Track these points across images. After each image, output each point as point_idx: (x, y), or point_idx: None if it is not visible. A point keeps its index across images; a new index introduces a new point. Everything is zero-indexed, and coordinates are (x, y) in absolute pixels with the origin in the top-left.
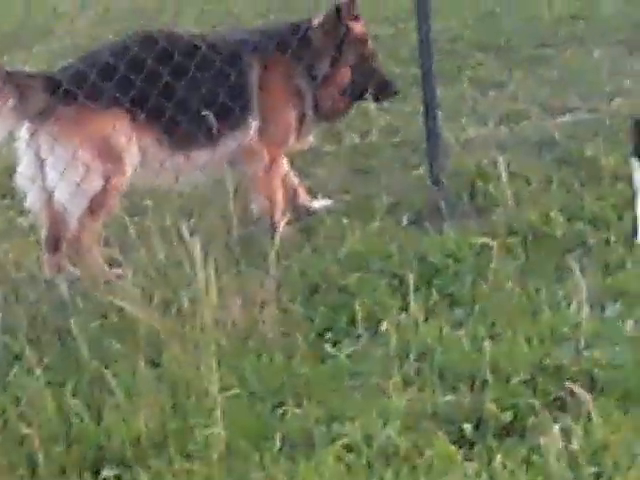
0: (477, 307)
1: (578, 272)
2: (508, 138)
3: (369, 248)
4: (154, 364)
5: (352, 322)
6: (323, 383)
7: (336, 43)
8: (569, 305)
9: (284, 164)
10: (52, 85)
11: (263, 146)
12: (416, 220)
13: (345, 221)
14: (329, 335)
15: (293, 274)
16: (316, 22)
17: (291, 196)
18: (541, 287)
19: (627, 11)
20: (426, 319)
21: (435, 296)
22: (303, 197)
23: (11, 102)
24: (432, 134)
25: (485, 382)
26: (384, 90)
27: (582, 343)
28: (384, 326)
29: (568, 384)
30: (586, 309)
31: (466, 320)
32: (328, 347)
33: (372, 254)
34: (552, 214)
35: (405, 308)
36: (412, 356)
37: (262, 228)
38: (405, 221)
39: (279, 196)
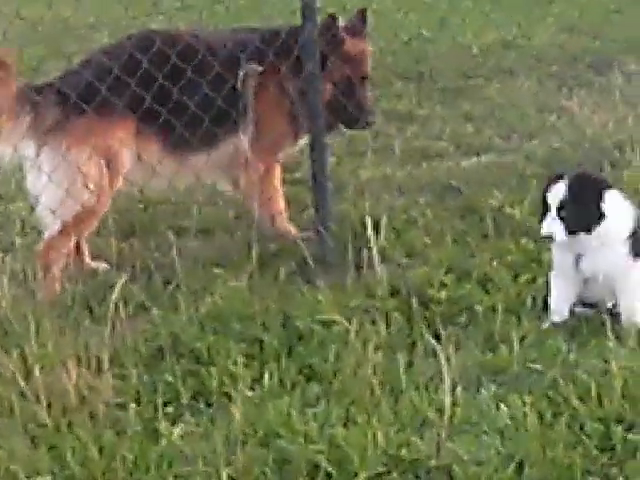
0: (336, 383)
1: (452, 346)
2: (412, 180)
3: (231, 307)
4: None
5: (200, 393)
6: (150, 469)
7: (324, 54)
8: (439, 384)
9: (279, 171)
10: (62, 98)
11: (258, 155)
12: (296, 273)
13: (216, 270)
14: (171, 409)
15: (140, 333)
16: None
17: None
18: (414, 361)
19: (562, 41)
20: (278, 395)
21: (293, 368)
22: None
23: (28, 121)
24: (319, 174)
25: (329, 475)
26: (356, 118)
27: (446, 431)
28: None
29: None
30: (458, 390)
31: (322, 398)
32: (163, 424)
33: (234, 314)
34: (440, 273)
35: (260, 379)
36: (253, 441)
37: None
38: (283, 274)
39: (280, 203)
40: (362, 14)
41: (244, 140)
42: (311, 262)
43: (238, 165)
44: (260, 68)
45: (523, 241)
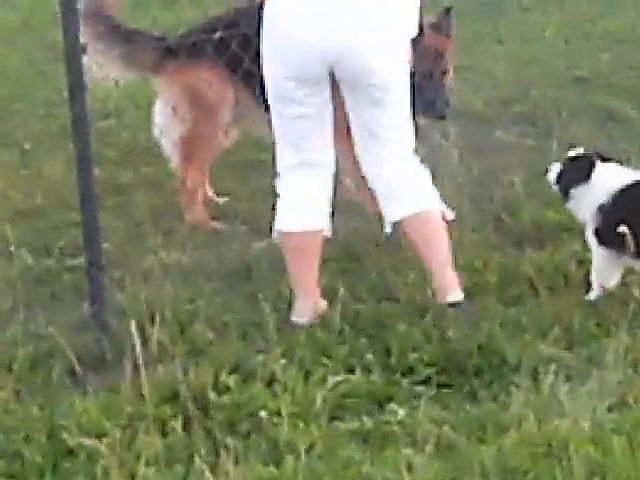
0: None
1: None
2: (200, 266)
3: None
4: None
5: None
6: None
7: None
8: None
9: None
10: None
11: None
12: (69, 375)
13: None
14: None
15: None
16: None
17: None
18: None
19: None
20: None
21: None
22: None
23: (117, 52)
24: (93, 263)
25: None
26: (431, 108)
27: None
28: None
29: None
30: None
31: None
32: None
33: None
34: (224, 374)
35: None
36: None
37: None
38: (55, 376)
39: None
40: (448, 13)
41: None
42: (82, 364)
43: None
44: None
45: (317, 335)
